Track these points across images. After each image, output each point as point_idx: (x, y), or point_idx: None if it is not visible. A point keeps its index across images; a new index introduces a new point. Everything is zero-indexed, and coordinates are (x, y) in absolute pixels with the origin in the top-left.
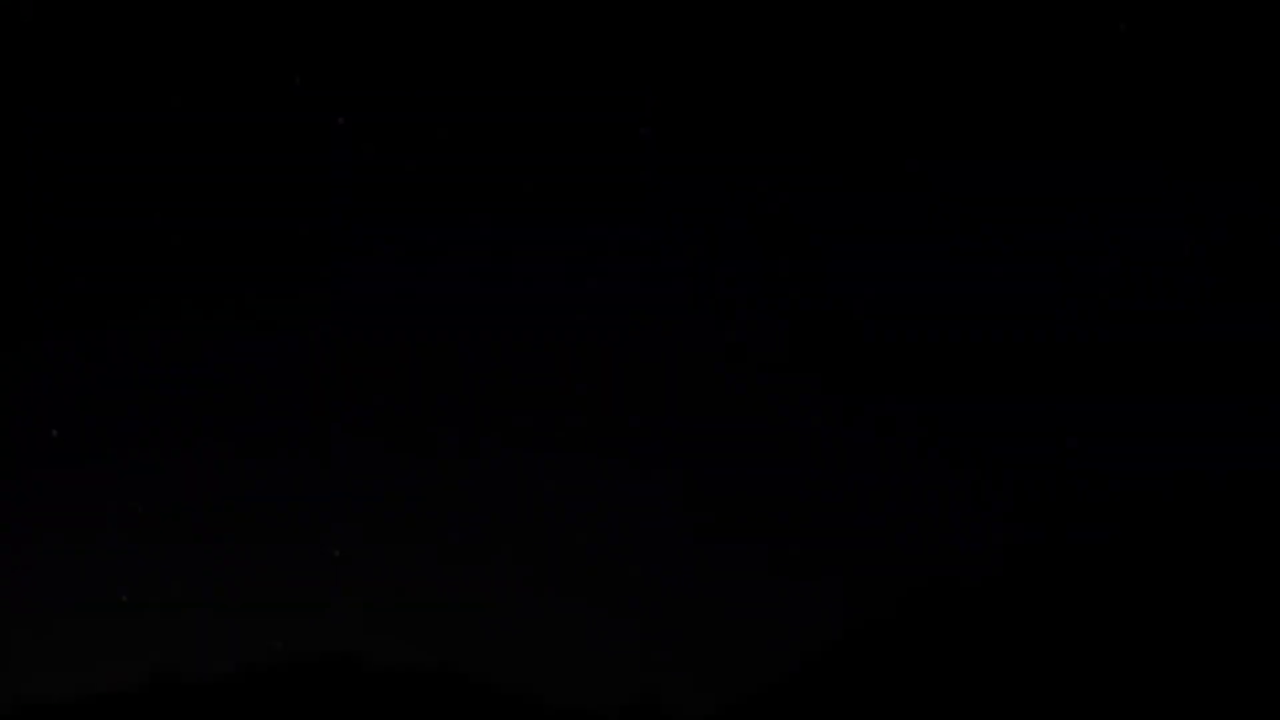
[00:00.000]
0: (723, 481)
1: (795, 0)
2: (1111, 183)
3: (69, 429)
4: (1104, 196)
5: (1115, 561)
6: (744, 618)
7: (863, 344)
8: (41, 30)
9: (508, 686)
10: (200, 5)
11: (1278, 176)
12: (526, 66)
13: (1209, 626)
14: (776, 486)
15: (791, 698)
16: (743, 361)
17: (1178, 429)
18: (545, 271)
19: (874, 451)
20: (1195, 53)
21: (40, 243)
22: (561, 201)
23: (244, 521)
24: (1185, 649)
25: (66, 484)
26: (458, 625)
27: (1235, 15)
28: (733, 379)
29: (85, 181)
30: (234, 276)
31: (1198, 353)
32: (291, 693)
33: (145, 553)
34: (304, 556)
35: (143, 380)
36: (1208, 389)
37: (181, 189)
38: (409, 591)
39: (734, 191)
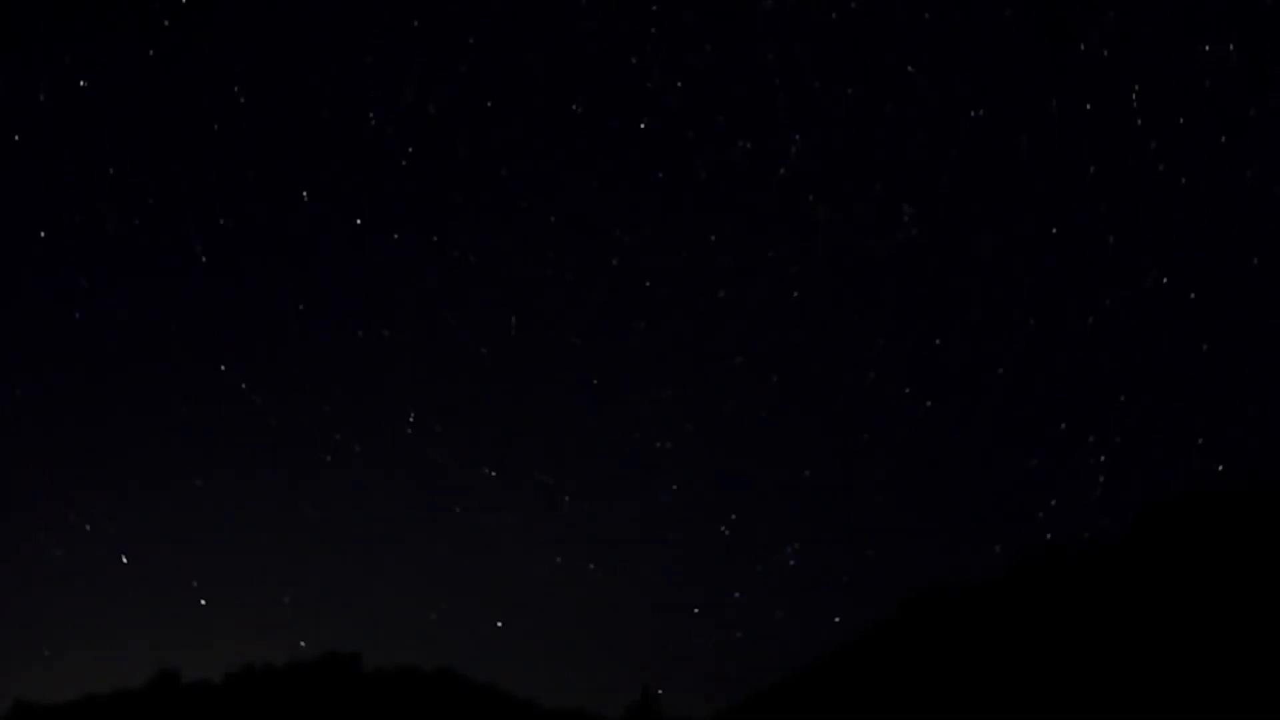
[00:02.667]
0: (723, 482)
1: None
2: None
3: (55, 431)
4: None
5: (1115, 561)
6: (744, 618)
7: (862, 345)
8: None
9: (508, 686)
10: None
11: None
12: None
13: (1209, 626)
14: (778, 489)
15: (791, 698)
16: (745, 366)
17: (1178, 429)
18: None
19: (873, 454)
20: None
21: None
22: None
23: (243, 522)
24: (1185, 648)
25: (66, 485)
26: (458, 625)
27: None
28: (734, 384)
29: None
30: None
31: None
32: (292, 693)
33: (146, 553)
34: (304, 557)
35: (142, 378)
36: (1207, 390)
37: None
38: (409, 591)
39: None
